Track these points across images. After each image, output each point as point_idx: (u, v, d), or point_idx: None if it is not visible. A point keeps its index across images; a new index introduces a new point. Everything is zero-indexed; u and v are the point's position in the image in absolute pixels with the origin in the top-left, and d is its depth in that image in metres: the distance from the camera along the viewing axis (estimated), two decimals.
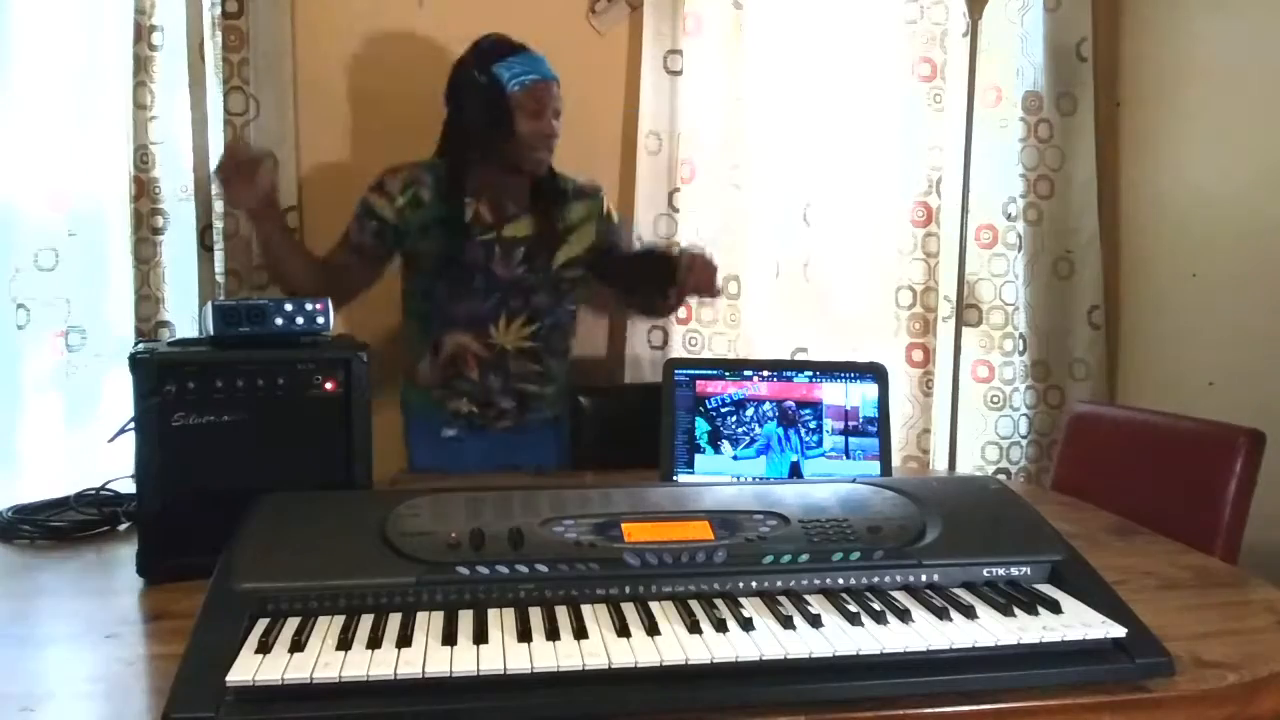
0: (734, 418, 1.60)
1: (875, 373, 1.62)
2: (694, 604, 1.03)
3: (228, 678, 0.86)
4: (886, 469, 1.59)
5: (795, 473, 1.59)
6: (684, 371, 1.62)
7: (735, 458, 1.59)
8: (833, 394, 1.61)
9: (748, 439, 1.60)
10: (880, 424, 1.60)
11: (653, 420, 1.61)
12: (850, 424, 1.60)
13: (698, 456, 1.59)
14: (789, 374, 1.62)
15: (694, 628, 0.97)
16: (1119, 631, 0.99)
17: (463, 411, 2.08)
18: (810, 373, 1.62)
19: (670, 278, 1.95)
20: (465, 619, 0.98)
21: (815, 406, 1.60)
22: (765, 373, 1.62)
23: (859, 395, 1.61)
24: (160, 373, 1.23)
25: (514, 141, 1.98)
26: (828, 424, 1.60)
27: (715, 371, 1.62)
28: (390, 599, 1.01)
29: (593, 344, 2.49)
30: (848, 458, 1.59)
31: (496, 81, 1.96)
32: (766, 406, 1.61)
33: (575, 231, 2.12)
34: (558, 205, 2.09)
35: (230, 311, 1.30)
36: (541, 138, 1.99)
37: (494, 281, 2.04)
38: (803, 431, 1.60)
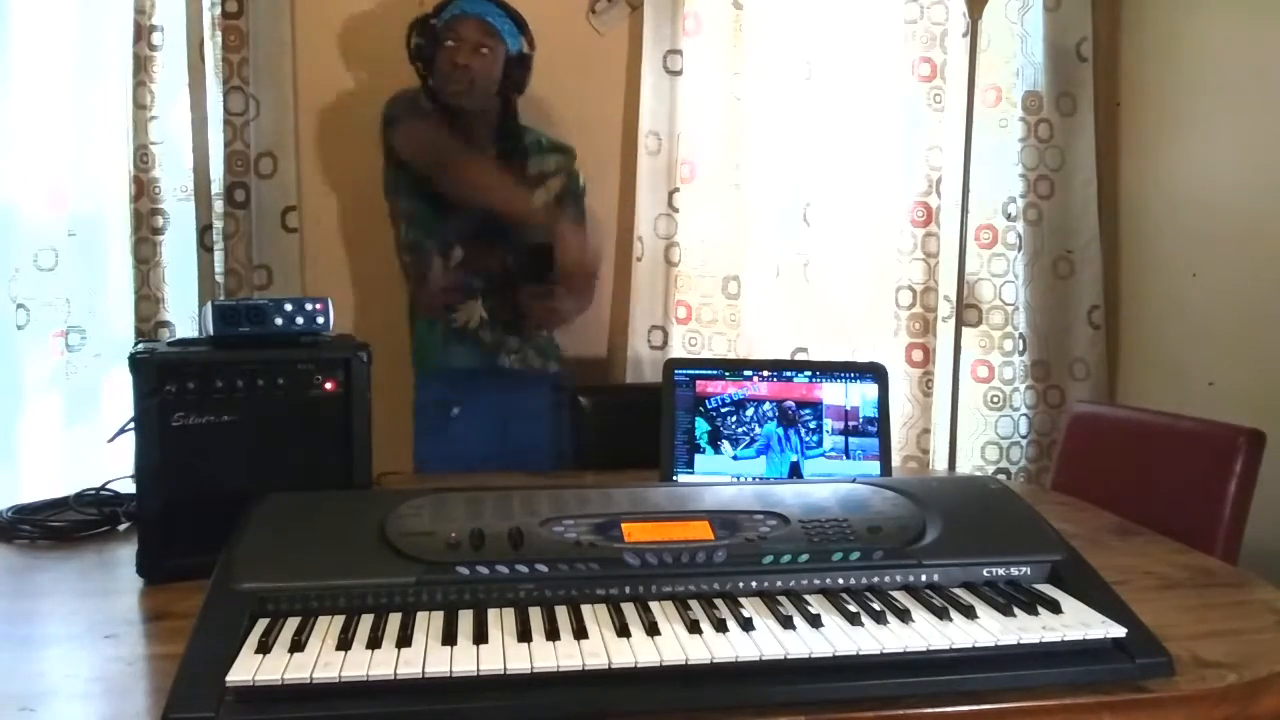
0: (734, 418, 1.60)
1: (875, 373, 1.62)
2: (694, 604, 1.03)
3: (228, 678, 0.86)
4: (886, 469, 1.59)
5: (795, 473, 1.59)
6: (684, 371, 1.62)
7: (735, 458, 1.59)
8: (833, 394, 1.61)
9: (748, 439, 1.60)
10: (880, 424, 1.60)
11: (653, 420, 1.61)
12: (850, 424, 1.60)
13: (698, 456, 1.59)
14: (789, 374, 1.62)
15: (694, 628, 0.97)
16: (1119, 631, 0.99)
17: (473, 325, 2.11)
18: (810, 373, 1.62)
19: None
20: (465, 619, 0.98)
21: (815, 406, 1.60)
22: (765, 373, 1.62)
23: (859, 395, 1.61)
24: (160, 373, 1.23)
25: (433, 71, 2.06)
26: (828, 424, 1.60)
27: (715, 371, 1.62)
28: (390, 599, 1.01)
29: (593, 344, 2.49)
30: (848, 458, 1.59)
31: (434, 17, 2.07)
32: (766, 406, 1.61)
33: (550, 179, 2.18)
34: (517, 147, 2.16)
35: (230, 311, 1.30)
36: (451, 65, 2.04)
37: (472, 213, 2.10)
38: (803, 431, 1.60)
